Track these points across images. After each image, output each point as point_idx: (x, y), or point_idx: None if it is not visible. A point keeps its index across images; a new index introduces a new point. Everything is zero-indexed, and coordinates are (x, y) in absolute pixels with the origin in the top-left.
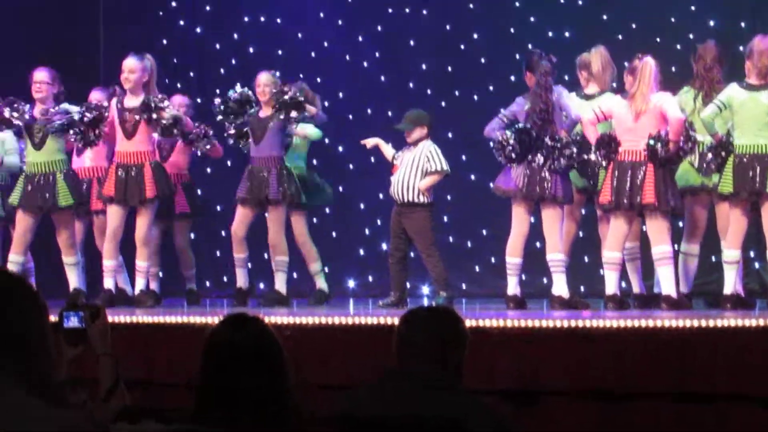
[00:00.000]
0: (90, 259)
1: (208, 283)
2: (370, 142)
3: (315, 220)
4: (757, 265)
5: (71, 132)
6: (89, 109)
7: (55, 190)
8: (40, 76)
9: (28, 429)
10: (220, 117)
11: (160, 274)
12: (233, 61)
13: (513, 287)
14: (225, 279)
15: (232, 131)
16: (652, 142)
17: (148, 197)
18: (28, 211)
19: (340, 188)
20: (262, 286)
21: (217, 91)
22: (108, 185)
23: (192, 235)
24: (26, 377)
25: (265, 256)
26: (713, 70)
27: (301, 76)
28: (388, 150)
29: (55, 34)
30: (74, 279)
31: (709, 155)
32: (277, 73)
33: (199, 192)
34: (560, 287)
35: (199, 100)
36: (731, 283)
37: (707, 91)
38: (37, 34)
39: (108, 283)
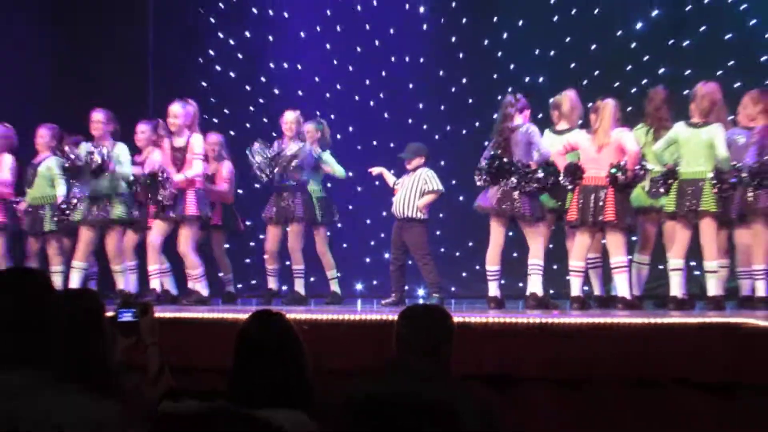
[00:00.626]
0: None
1: (240, 285)
2: (375, 170)
3: (329, 233)
4: (696, 272)
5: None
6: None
7: (109, 208)
8: (97, 116)
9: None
10: (259, 173)
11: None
12: (261, 101)
13: (493, 290)
14: (254, 282)
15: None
16: (614, 170)
17: (188, 215)
18: (89, 225)
19: (350, 206)
20: (284, 288)
21: (247, 125)
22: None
23: (227, 246)
24: (77, 370)
25: (287, 263)
26: (661, 110)
27: (318, 113)
28: (390, 177)
29: (110, 78)
30: (122, 282)
31: (660, 181)
32: (298, 111)
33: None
34: (535, 287)
35: (232, 133)
36: (676, 287)
37: (657, 128)
38: (95, 79)
39: (154, 284)
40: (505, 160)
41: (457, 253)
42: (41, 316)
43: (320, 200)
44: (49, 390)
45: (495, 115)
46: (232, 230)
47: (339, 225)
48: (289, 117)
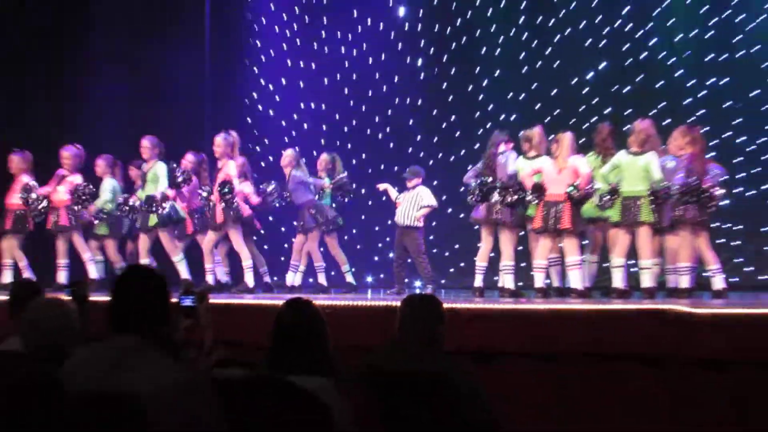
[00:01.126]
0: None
1: (276, 278)
2: (382, 186)
3: (346, 237)
4: (634, 269)
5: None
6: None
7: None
8: (145, 143)
9: (161, 377)
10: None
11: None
12: (293, 133)
13: (479, 282)
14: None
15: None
16: (570, 188)
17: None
18: (143, 231)
19: (363, 216)
20: (311, 280)
21: (282, 152)
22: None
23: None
24: (158, 340)
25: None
26: (607, 141)
27: (337, 143)
28: (393, 193)
29: (171, 112)
30: (184, 271)
31: (606, 197)
32: (297, 148)
33: (270, 218)
34: (509, 283)
35: (270, 158)
36: (618, 280)
37: (604, 155)
38: (155, 111)
39: (208, 278)
40: (489, 180)
41: (447, 254)
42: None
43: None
44: (146, 351)
45: (477, 145)
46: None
47: (354, 230)
48: (324, 157)
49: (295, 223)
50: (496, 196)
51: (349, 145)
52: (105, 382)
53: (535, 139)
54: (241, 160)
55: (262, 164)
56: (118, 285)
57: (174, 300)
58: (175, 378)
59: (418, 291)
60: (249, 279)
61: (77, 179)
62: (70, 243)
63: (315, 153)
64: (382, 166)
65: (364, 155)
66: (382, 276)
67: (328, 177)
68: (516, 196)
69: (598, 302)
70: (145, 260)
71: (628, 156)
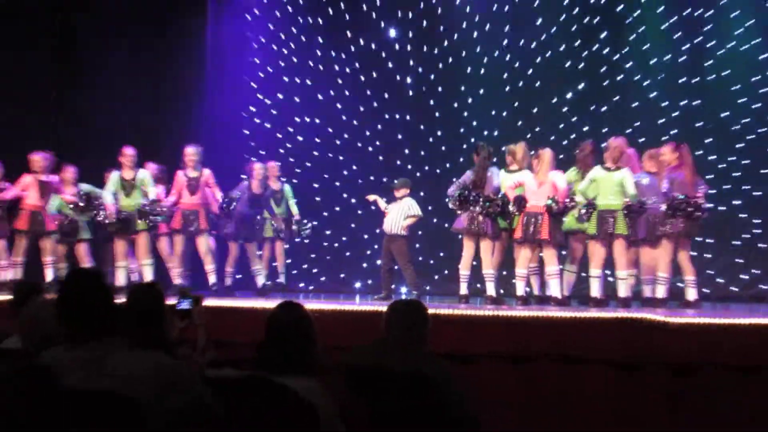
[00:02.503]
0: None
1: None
2: (371, 197)
3: (336, 244)
4: (611, 279)
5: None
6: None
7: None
8: (130, 152)
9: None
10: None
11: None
12: (288, 145)
13: (464, 290)
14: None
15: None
16: (549, 201)
17: (202, 228)
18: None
19: (352, 225)
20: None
21: (278, 163)
22: (176, 221)
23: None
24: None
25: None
26: (589, 158)
27: (329, 155)
28: (382, 203)
29: (174, 124)
30: (149, 275)
31: (583, 210)
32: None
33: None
34: (491, 290)
35: (250, 169)
36: (595, 289)
37: (585, 171)
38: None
39: (212, 279)
40: (467, 192)
41: (431, 261)
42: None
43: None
44: (126, 353)
45: (461, 159)
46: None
47: (344, 238)
48: (257, 166)
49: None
50: (478, 208)
51: (341, 157)
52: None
53: (518, 154)
54: (154, 166)
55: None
56: (70, 290)
57: (171, 302)
58: (158, 364)
59: (404, 296)
60: (212, 279)
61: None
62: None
63: (309, 164)
64: (372, 177)
65: (354, 167)
66: (370, 282)
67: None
68: (499, 208)
69: (576, 310)
70: (147, 261)
71: (603, 171)
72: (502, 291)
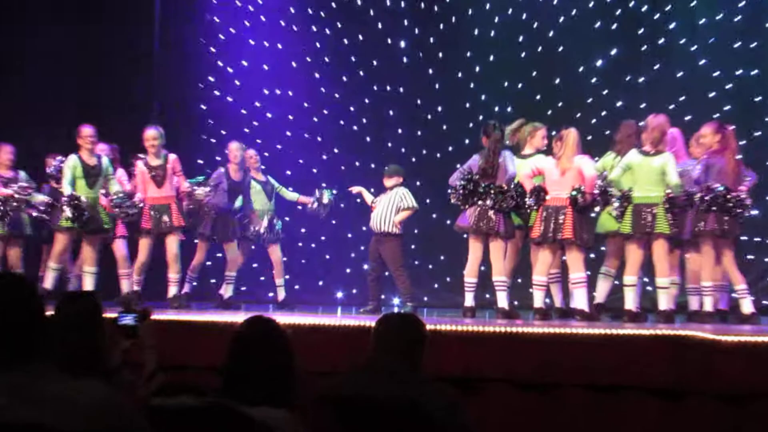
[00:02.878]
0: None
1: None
2: (355, 189)
3: (313, 245)
4: (649, 288)
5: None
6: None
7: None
8: (91, 131)
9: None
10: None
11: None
12: (255, 123)
13: (470, 300)
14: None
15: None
16: (574, 192)
17: (175, 225)
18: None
19: (333, 221)
20: (271, 294)
21: (243, 145)
22: (145, 221)
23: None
24: (83, 363)
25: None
26: (630, 140)
27: (306, 135)
28: (368, 196)
29: (115, 98)
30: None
31: (616, 204)
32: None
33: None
34: (502, 302)
35: (227, 152)
36: (630, 301)
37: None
38: (92, 93)
39: (173, 290)
40: (474, 182)
41: (430, 266)
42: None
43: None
44: (55, 379)
45: (467, 141)
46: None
47: (322, 237)
48: (233, 146)
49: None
50: (488, 201)
51: (320, 138)
52: (12, 412)
53: (539, 134)
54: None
55: (218, 158)
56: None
57: (112, 317)
58: (91, 394)
59: (396, 310)
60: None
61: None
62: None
63: (279, 146)
64: (357, 163)
65: (336, 150)
66: (354, 291)
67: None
68: (513, 202)
69: (607, 326)
70: (93, 268)
71: (640, 156)
72: (516, 302)
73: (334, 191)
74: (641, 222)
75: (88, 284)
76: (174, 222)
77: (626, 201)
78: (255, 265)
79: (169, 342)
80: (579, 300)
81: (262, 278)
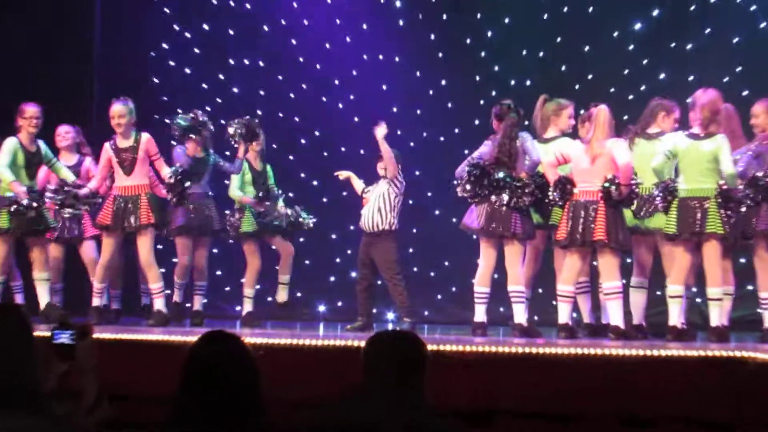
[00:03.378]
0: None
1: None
2: (342, 174)
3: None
4: (698, 299)
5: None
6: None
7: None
8: (32, 110)
9: None
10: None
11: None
12: (218, 100)
13: (480, 315)
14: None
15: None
16: (606, 184)
17: (143, 222)
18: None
19: (314, 219)
20: (238, 308)
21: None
22: (105, 214)
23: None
24: (9, 391)
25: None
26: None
27: (279, 114)
28: (358, 183)
29: (48, 72)
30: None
31: (658, 198)
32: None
33: None
34: (520, 316)
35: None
36: (674, 315)
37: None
38: (30, 71)
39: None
40: (485, 172)
41: (432, 273)
42: None
43: None
44: None
45: (476, 121)
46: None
47: (301, 239)
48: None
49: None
50: (504, 196)
51: (297, 118)
52: None
53: (566, 113)
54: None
55: (172, 143)
56: None
57: (44, 334)
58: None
59: (390, 326)
60: (160, 305)
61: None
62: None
63: None
64: (343, 148)
65: (317, 132)
66: (340, 304)
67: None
68: (532, 197)
69: (646, 345)
70: (44, 275)
71: (687, 140)
72: (536, 317)
73: (302, 212)
74: (689, 220)
75: (42, 294)
76: (142, 219)
77: (670, 195)
78: (218, 272)
79: (112, 365)
80: (613, 314)
81: (227, 288)
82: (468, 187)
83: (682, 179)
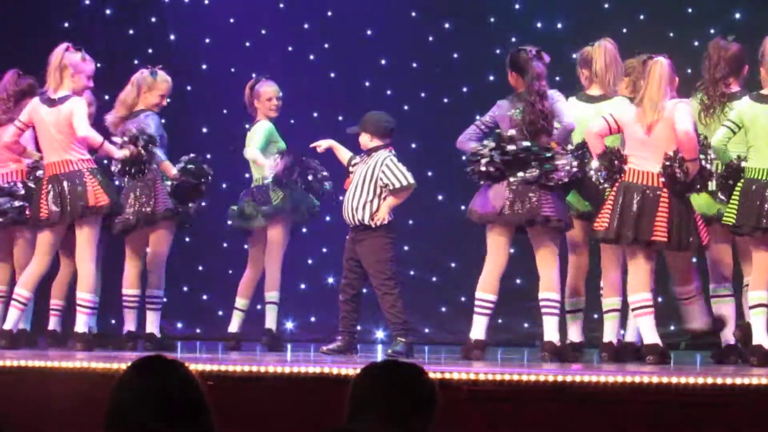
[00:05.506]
0: None
1: None
2: (322, 144)
3: (246, 246)
4: None
5: None
6: None
7: None
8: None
9: None
10: None
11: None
12: (150, 50)
13: (479, 330)
14: None
15: None
16: (668, 163)
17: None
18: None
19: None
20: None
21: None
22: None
23: None
24: None
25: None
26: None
27: (232, 70)
28: (343, 152)
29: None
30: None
31: (721, 182)
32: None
33: None
34: (551, 332)
35: (107, 97)
36: (760, 332)
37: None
38: None
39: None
40: (500, 144)
41: (434, 279)
42: None
43: None
44: None
45: (491, 77)
46: None
47: None
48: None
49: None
50: (527, 174)
51: (254, 74)
52: None
53: (600, 63)
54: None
55: (163, 120)
56: None
57: None
58: None
59: (379, 347)
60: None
61: None
62: None
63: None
64: (315, 114)
65: (281, 93)
66: (312, 320)
67: None
68: (568, 175)
69: (718, 372)
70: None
71: (755, 105)
72: (580, 339)
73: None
74: (755, 208)
75: None
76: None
77: (734, 177)
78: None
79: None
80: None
81: (165, 299)
82: (483, 166)
83: (751, 155)
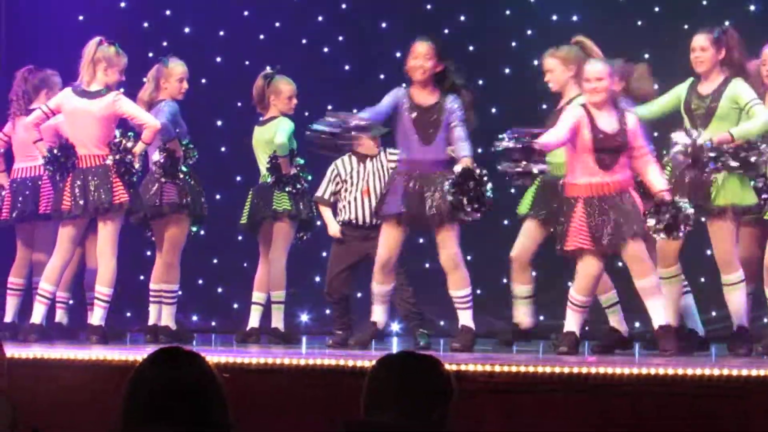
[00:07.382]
0: None
1: None
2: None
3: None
4: None
5: None
6: None
7: None
8: None
9: None
10: None
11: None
12: (164, 43)
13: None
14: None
15: None
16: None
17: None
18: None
19: None
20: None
21: (144, 79)
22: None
23: None
24: None
25: None
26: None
27: (246, 62)
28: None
29: None
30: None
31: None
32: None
33: None
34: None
35: (122, 90)
36: None
37: None
38: None
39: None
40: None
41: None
42: None
43: None
44: None
45: (507, 69)
46: None
47: None
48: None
49: None
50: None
51: (268, 67)
52: None
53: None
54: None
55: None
56: None
57: None
58: None
59: (395, 340)
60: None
61: None
62: None
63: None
64: (330, 107)
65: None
66: (328, 312)
67: None
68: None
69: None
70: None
71: None
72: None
73: None
74: None
75: None
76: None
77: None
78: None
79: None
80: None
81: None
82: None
83: None
